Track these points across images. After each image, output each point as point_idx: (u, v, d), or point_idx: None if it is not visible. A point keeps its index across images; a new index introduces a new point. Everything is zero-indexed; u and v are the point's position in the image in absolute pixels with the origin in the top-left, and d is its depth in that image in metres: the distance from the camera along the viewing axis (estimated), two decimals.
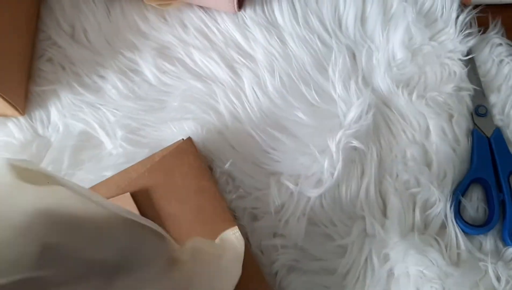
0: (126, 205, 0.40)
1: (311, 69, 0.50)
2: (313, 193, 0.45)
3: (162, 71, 0.50)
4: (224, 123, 0.48)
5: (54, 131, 0.49)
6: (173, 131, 0.48)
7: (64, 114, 0.49)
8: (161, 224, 0.39)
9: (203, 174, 0.42)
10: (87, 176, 0.46)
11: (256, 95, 0.49)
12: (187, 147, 0.43)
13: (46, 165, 0.47)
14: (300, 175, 0.46)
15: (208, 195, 0.42)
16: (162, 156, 0.42)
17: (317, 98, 0.49)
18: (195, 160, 0.42)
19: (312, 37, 0.51)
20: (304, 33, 0.51)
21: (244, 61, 0.50)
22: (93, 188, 0.41)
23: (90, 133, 0.49)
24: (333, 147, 0.46)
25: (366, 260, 0.45)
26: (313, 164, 0.46)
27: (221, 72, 0.50)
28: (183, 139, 0.44)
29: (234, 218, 0.43)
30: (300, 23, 0.51)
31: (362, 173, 0.47)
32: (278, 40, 0.51)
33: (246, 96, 0.49)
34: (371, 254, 0.45)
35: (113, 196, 0.40)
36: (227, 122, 0.48)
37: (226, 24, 0.52)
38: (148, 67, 0.50)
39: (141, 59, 0.50)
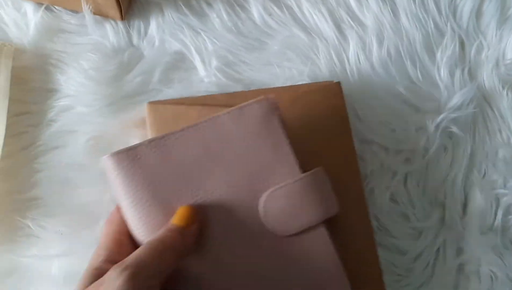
0: None
1: (420, 49, 0.48)
2: (401, 169, 0.44)
3: (269, 13, 0.49)
4: (321, 79, 0.47)
5: (149, 45, 0.47)
6: (269, 74, 0.47)
7: (163, 30, 0.47)
8: None
9: (343, 121, 0.41)
10: (175, 96, 0.45)
11: (359, 59, 0.48)
12: (336, 91, 0.42)
13: (135, 76, 0.45)
14: (390, 149, 0.45)
15: (341, 144, 0.41)
16: (308, 91, 0.41)
17: (420, 78, 0.47)
18: (339, 105, 0.42)
19: (426, 17, 0.49)
20: (418, 12, 0.50)
21: (352, 23, 0.49)
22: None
23: (185, 56, 0.47)
24: (431, 128, 0.45)
25: (438, 249, 0.43)
26: (405, 140, 0.45)
27: (328, 29, 0.48)
28: (333, 81, 0.43)
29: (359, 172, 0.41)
30: (416, 1, 0.50)
31: (451, 163, 0.45)
32: (391, 11, 0.49)
33: (348, 58, 0.48)
34: (445, 244, 0.43)
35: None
36: (325, 79, 0.47)
37: None
38: (256, 6, 0.49)
39: None
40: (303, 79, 0.46)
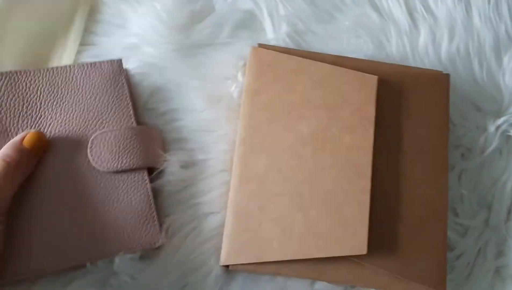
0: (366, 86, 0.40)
1: (489, 51, 0.48)
2: (458, 163, 0.44)
3: None
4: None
5: None
6: (337, 48, 0.46)
7: None
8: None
9: (444, 115, 0.42)
10: (239, 54, 0.44)
11: (427, 50, 0.47)
12: (443, 82, 0.42)
13: (204, 27, 0.45)
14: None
15: (438, 137, 0.41)
16: (417, 75, 0.42)
17: (485, 78, 0.47)
18: (444, 97, 0.42)
19: (499, 21, 0.49)
20: (491, 13, 0.49)
21: (425, 14, 0.49)
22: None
23: (256, 16, 0.47)
24: (491, 129, 0.44)
25: (480, 249, 0.43)
26: (464, 136, 0.45)
27: (400, 15, 0.48)
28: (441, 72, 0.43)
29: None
30: (491, 3, 0.49)
31: (505, 167, 0.45)
32: (464, 9, 0.49)
33: (417, 47, 0.47)
34: (487, 245, 0.43)
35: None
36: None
37: None
38: None
39: None
40: (371, 59, 0.46)
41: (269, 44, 0.45)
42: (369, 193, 0.37)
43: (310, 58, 0.41)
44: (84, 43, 0.44)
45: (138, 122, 0.40)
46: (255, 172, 0.39)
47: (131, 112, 0.39)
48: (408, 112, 0.41)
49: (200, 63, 0.44)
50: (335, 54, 0.45)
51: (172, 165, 0.41)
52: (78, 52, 0.43)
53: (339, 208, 0.37)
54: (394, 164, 0.40)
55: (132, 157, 0.38)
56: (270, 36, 0.46)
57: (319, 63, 0.41)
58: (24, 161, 0.35)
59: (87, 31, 0.44)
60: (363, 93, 0.40)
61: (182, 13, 0.44)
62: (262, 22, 0.46)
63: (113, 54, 0.43)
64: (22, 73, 0.38)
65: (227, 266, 0.38)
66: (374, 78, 0.40)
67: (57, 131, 0.38)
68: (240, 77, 0.44)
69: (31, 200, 0.36)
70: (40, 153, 0.36)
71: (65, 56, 0.43)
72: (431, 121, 0.41)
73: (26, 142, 0.35)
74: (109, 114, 0.39)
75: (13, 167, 0.34)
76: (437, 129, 0.41)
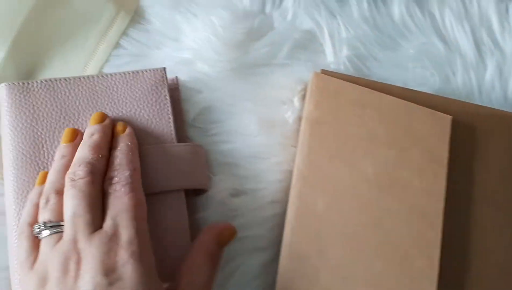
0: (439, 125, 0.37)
1: None
2: None
3: (410, 14, 0.46)
4: (457, 96, 0.43)
5: (281, 16, 0.44)
6: (400, 77, 0.43)
7: (299, 4, 0.44)
8: None
9: None
10: (298, 76, 0.42)
11: (493, 86, 0.45)
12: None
13: (262, 45, 0.42)
14: None
15: None
16: (490, 116, 0.39)
17: None
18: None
19: None
20: None
21: (492, 47, 0.46)
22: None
23: (316, 37, 0.44)
24: None
25: None
26: None
27: (467, 46, 0.45)
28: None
29: None
30: None
31: None
32: None
33: (484, 82, 0.45)
34: None
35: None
36: (461, 98, 0.43)
37: (487, 2, 0.47)
38: (398, 3, 0.45)
39: None
40: (436, 92, 0.43)
41: (329, 67, 0.43)
42: (439, 247, 0.34)
43: (375, 89, 0.38)
44: (133, 54, 0.41)
45: (181, 139, 0.37)
46: (313, 211, 0.36)
47: (172, 127, 0.35)
48: (479, 156, 0.38)
49: (255, 84, 0.41)
50: (399, 83, 0.42)
51: (220, 192, 0.38)
52: (126, 63, 0.40)
53: (406, 261, 0.34)
54: (464, 213, 0.37)
55: (171, 177, 0.34)
56: (330, 59, 0.43)
57: (387, 96, 0.38)
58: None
59: (137, 41, 0.41)
60: (436, 134, 0.37)
61: (240, 29, 0.42)
62: (323, 44, 0.44)
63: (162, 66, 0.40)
64: (62, 81, 0.35)
65: None
66: (448, 118, 0.37)
67: None
68: (296, 102, 0.41)
69: None
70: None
71: (92, 63, 0.40)
72: (504, 168, 0.38)
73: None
74: (149, 127, 0.35)
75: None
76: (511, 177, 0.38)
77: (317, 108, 0.38)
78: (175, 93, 0.39)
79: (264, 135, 0.40)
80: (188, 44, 0.41)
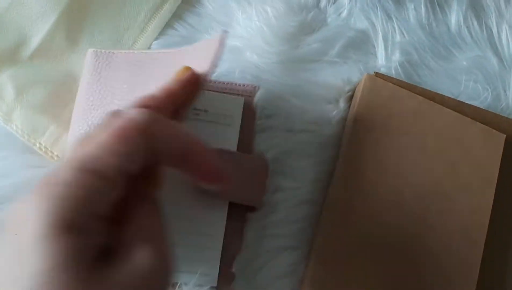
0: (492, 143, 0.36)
1: None
2: None
3: (467, 24, 0.44)
4: (507, 115, 0.42)
5: (335, 13, 0.42)
6: (451, 88, 0.42)
7: (356, 2, 0.43)
8: None
9: None
10: (346, 76, 0.40)
11: None
12: None
13: (313, 41, 0.41)
14: None
15: None
16: None
17: None
18: None
19: None
20: None
21: None
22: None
23: (369, 37, 0.42)
24: None
25: None
26: None
27: None
28: None
29: None
30: None
31: None
32: None
33: None
34: None
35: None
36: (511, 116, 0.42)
37: None
38: (457, 12, 0.44)
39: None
40: (486, 107, 0.41)
41: (379, 71, 0.41)
42: (479, 266, 0.33)
43: (429, 98, 0.37)
44: (182, 35, 0.40)
45: (246, 149, 0.36)
46: (351, 217, 0.35)
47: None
48: None
49: (303, 81, 0.40)
50: (449, 94, 0.41)
51: None
52: (175, 44, 0.40)
53: (443, 277, 0.33)
54: (507, 234, 0.35)
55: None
56: (381, 62, 0.42)
57: (442, 107, 0.37)
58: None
59: (188, 24, 0.40)
60: (487, 151, 0.35)
61: (292, 22, 0.41)
62: (375, 45, 0.42)
63: None
64: (142, 54, 0.35)
65: None
66: (502, 137, 0.36)
67: None
68: (342, 103, 0.40)
69: None
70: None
71: (142, 39, 0.39)
72: None
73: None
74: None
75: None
76: None
77: (367, 113, 0.37)
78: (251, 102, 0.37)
79: (306, 132, 0.39)
80: (239, 32, 0.40)
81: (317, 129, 0.40)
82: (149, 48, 0.39)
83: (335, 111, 0.40)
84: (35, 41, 0.38)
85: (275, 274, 0.37)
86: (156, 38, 0.40)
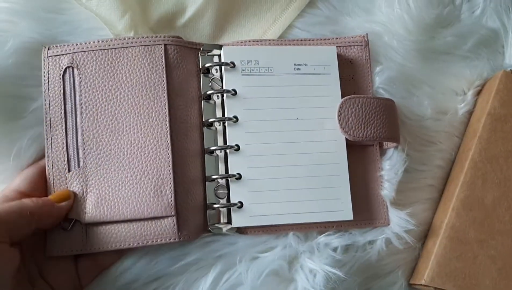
0: None
1: None
2: None
3: None
4: None
5: (469, 10, 0.44)
6: None
7: (490, 2, 0.44)
8: None
9: None
10: (473, 72, 0.42)
11: None
12: None
13: (448, 34, 0.43)
14: None
15: None
16: None
17: None
18: None
19: None
20: None
21: None
22: None
23: (500, 37, 0.45)
24: None
25: None
26: None
27: None
28: None
29: None
30: None
31: None
32: None
33: None
34: None
35: None
36: None
37: None
38: None
39: None
40: None
41: (507, 70, 0.43)
42: None
43: None
44: (325, 16, 0.42)
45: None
46: (481, 201, 0.37)
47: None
48: None
49: (437, 70, 0.42)
50: None
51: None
52: (318, 23, 0.42)
53: None
54: None
55: (376, 128, 0.37)
56: (508, 62, 0.44)
57: None
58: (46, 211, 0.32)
59: (332, 5, 0.42)
60: None
61: (431, 14, 0.42)
62: (504, 46, 0.44)
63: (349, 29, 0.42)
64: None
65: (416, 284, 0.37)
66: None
67: None
68: (470, 95, 0.42)
69: None
70: (63, 208, 0.33)
71: (280, 21, 0.41)
72: None
73: (53, 197, 0.33)
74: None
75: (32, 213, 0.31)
76: None
77: (503, 106, 0.39)
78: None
79: (433, 120, 0.41)
80: (379, 18, 0.42)
81: (444, 118, 0.42)
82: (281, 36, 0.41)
83: (463, 102, 0.42)
84: (190, 10, 0.40)
85: (392, 249, 0.39)
86: (302, 16, 0.42)
